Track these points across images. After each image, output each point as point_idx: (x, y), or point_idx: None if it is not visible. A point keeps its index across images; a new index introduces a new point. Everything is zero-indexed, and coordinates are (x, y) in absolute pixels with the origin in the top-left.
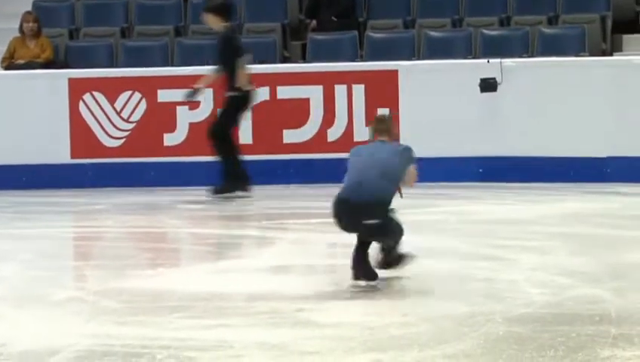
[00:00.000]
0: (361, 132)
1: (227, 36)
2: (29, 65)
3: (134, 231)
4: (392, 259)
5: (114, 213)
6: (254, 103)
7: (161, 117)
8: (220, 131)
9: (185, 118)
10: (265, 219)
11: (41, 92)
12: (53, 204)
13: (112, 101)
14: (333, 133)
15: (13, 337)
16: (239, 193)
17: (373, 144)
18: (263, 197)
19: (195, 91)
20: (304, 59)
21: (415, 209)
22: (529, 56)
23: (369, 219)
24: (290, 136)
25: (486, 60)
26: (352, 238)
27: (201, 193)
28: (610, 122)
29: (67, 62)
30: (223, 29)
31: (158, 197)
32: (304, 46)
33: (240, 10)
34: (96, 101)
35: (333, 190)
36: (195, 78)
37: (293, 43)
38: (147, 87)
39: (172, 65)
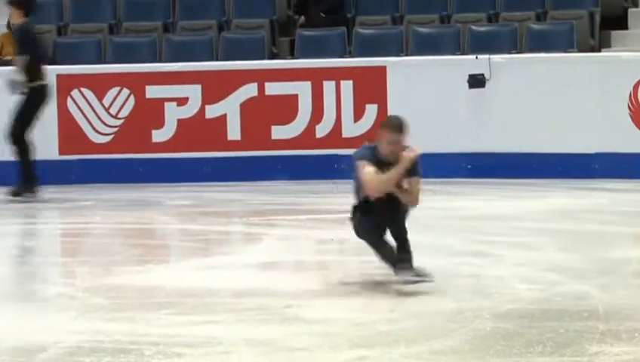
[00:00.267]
0: (350, 128)
1: (24, 30)
2: None
3: (123, 228)
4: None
5: (102, 210)
6: (49, 98)
7: (149, 113)
8: (16, 131)
9: (173, 114)
10: (253, 215)
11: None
12: (41, 200)
13: (100, 97)
14: (322, 129)
15: (1, 333)
16: (27, 195)
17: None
18: (251, 194)
19: (15, 83)
20: (292, 55)
21: None
22: (517, 53)
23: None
24: (278, 132)
25: (474, 56)
26: (341, 234)
27: (191, 189)
28: (598, 118)
29: (55, 59)
30: (21, 23)
31: (146, 194)
32: (292, 42)
33: (228, 7)
34: (85, 97)
35: (322, 186)
36: (184, 74)
37: (281, 39)
38: (135, 84)
39: (160, 62)
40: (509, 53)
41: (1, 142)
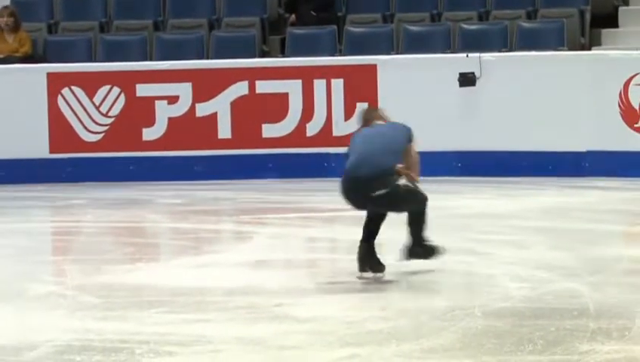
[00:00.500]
0: (340, 126)
1: None
2: (8, 60)
3: (113, 226)
4: (421, 250)
5: (93, 208)
6: None
7: (139, 111)
8: None
9: (164, 112)
10: (244, 213)
11: (19, 86)
12: (32, 199)
13: (90, 96)
14: (312, 128)
15: None
16: None
17: (371, 126)
18: (242, 192)
19: None
20: (283, 53)
21: None
22: (508, 51)
23: (378, 191)
24: (269, 130)
25: (465, 55)
26: (331, 233)
27: (181, 188)
28: (589, 116)
29: (46, 57)
30: None
31: (137, 192)
32: (283, 40)
33: (219, 5)
34: (75, 96)
35: (312, 184)
36: (174, 72)
37: (272, 37)
38: (126, 82)
39: (151, 60)
40: (500, 51)
41: None
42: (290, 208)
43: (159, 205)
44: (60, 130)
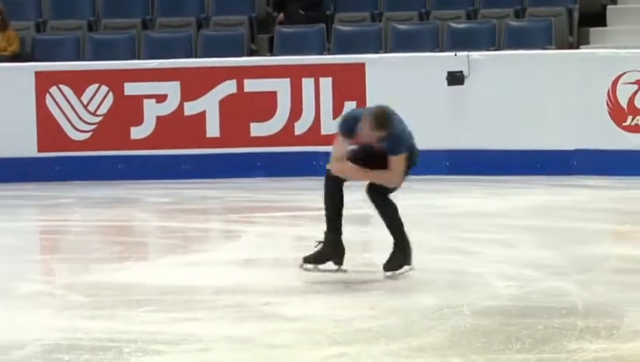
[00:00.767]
0: (329, 125)
1: None
2: None
3: (101, 225)
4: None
5: (81, 207)
6: None
7: (128, 110)
8: None
9: (152, 111)
10: (232, 212)
11: (7, 85)
12: (20, 198)
13: (78, 94)
14: (301, 127)
15: None
16: None
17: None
18: (229, 191)
19: None
20: (271, 52)
21: None
22: (496, 50)
23: None
24: (257, 129)
25: (453, 53)
26: (320, 231)
27: (169, 186)
28: (577, 115)
29: (34, 56)
30: None
31: (125, 191)
32: (271, 39)
33: (207, 4)
34: (63, 94)
35: (300, 183)
36: (163, 71)
37: (260, 36)
38: (114, 81)
39: (139, 59)
40: (488, 50)
41: None
42: (279, 207)
43: (147, 204)
44: (48, 128)
